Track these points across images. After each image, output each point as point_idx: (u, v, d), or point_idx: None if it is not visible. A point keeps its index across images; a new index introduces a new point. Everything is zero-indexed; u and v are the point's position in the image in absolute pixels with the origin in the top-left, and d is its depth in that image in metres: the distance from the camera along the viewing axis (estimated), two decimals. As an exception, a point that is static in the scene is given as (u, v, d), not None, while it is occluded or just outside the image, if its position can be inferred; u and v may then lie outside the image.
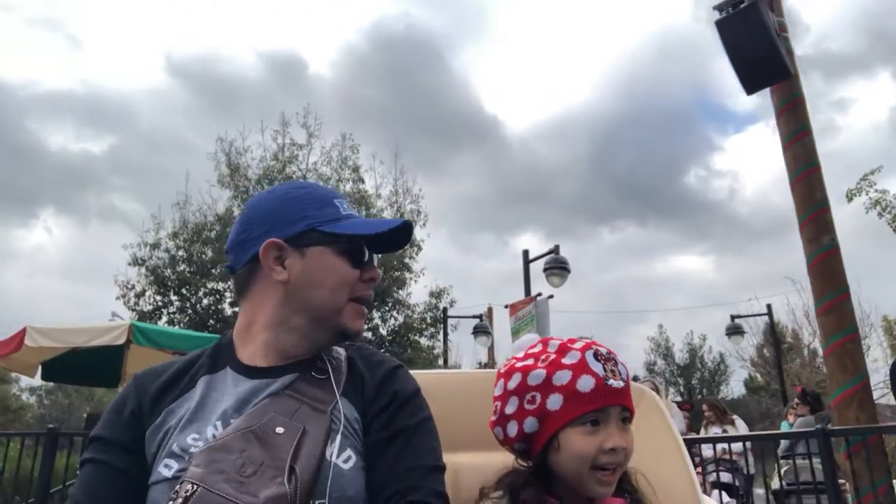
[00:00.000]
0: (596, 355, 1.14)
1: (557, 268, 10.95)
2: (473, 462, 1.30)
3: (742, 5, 6.13)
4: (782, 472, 5.65)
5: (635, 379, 1.45)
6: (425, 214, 17.40)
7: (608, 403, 1.10)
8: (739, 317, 16.93)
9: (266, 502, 0.92)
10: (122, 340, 7.53)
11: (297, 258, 1.15)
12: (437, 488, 1.05)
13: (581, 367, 1.12)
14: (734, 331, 16.35)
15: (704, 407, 7.31)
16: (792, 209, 6.19)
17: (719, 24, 6.17)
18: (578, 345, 1.17)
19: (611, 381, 1.11)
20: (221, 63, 40.60)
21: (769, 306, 17.07)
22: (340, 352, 1.21)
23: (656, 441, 1.46)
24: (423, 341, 16.34)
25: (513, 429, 1.16)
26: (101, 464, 1.08)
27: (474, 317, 16.39)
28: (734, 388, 31.66)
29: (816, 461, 5.20)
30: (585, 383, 1.10)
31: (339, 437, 1.05)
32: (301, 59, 46.94)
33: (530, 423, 1.13)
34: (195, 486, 0.94)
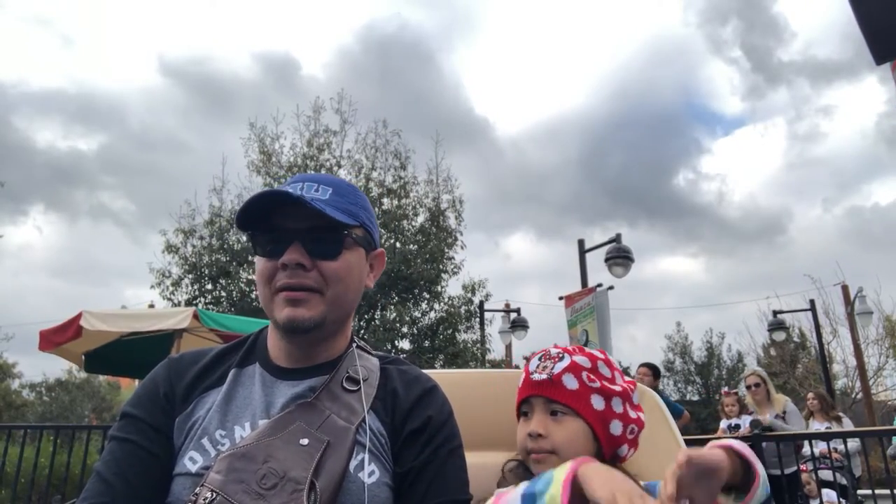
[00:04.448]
0: (542, 356, 1.30)
1: (621, 257, 10.53)
2: (481, 462, 1.33)
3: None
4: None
5: (626, 372, 1.51)
6: (460, 201, 16.90)
7: (530, 394, 1.25)
8: (781, 312, 16.50)
9: None
10: (186, 324, 7.11)
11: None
12: None
13: (525, 367, 1.31)
14: (777, 326, 15.92)
15: (810, 395, 6.84)
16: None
17: (847, -12, 5.78)
18: (543, 350, 1.32)
19: (534, 375, 1.26)
20: (214, 63, 40.65)
21: (812, 302, 16.70)
22: (374, 363, 1.21)
23: (657, 441, 1.50)
24: (458, 336, 15.88)
25: None
26: (130, 443, 1.07)
27: (509, 310, 16.03)
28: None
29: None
30: (521, 379, 1.30)
31: (365, 452, 1.05)
32: (294, 60, 46.20)
33: None
34: (214, 495, 0.94)
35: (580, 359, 1.26)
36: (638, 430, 1.27)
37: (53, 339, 7.25)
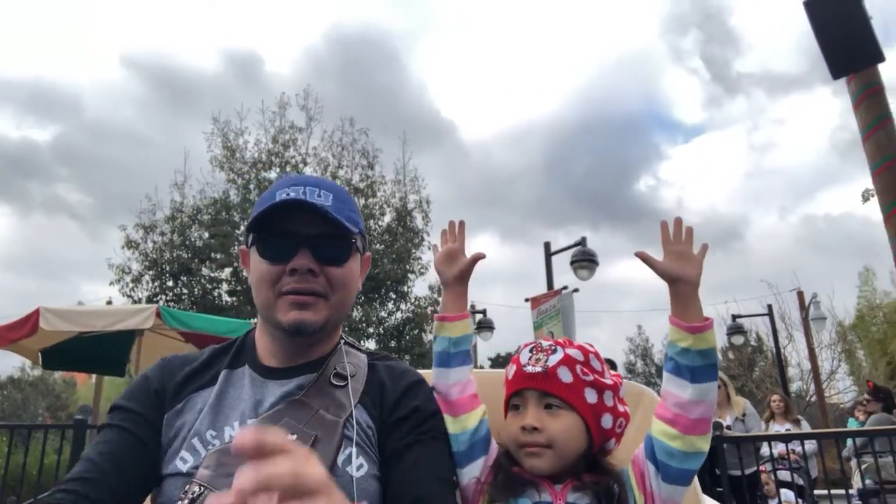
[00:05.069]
0: (532, 348, 1.29)
1: (586, 260, 10.66)
2: None
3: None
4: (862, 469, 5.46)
5: (611, 363, 1.54)
6: (427, 202, 16.91)
7: (523, 386, 1.24)
8: (740, 316, 16.91)
9: None
10: (149, 324, 6.96)
11: (249, 260, 1.19)
12: None
13: (515, 359, 1.30)
14: (735, 330, 16.29)
15: (776, 398, 7.00)
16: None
17: (808, 5, 5.97)
18: (533, 342, 1.32)
19: (527, 367, 1.25)
20: (177, 57, 39.93)
21: (770, 307, 17.15)
22: (362, 359, 1.23)
23: None
24: (425, 336, 15.87)
25: None
26: (122, 429, 1.09)
27: (475, 311, 16.10)
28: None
29: (888, 460, 5.04)
30: (510, 371, 1.29)
31: (352, 446, 1.06)
32: (258, 57, 45.98)
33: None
34: (202, 488, 0.96)
35: (573, 352, 1.26)
36: (625, 423, 1.28)
37: (8, 336, 7.00)
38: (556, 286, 11.33)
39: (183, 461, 1.04)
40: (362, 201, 16.24)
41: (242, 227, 14.06)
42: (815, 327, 16.46)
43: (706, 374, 1.14)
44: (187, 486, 0.97)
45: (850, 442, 6.23)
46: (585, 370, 1.25)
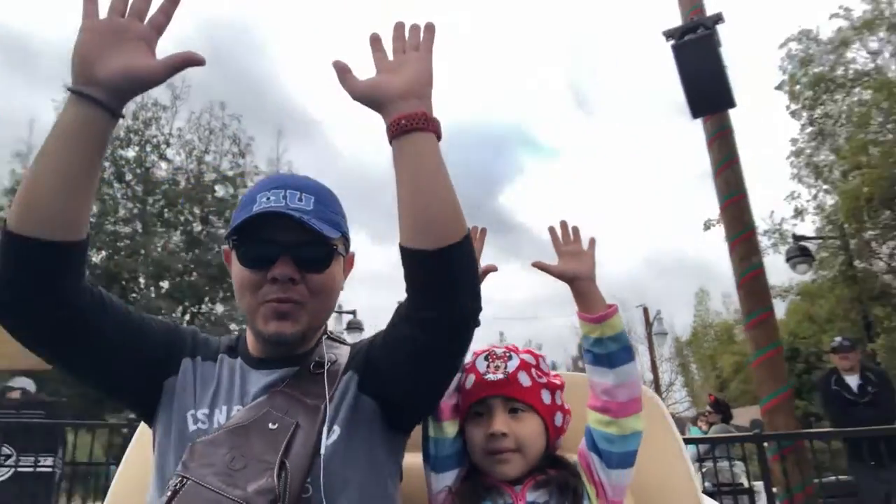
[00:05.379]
0: (487, 356, 1.30)
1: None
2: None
3: (698, 33, 6.54)
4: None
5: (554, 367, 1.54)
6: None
7: (488, 394, 1.25)
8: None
9: (253, 494, 0.94)
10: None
11: (231, 264, 1.19)
12: None
13: (470, 368, 1.30)
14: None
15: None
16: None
17: (676, 49, 6.51)
18: (484, 350, 1.33)
19: (488, 376, 1.26)
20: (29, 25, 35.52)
21: (645, 309, 18.37)
22: (345, 350, 1.25)
23: (656, 441, 1.49)
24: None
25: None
26: (148, 319, 1.17)
27: (342, 311, 15.91)
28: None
29: (725, 465, 5.66)
30: (469, 381, 1.28)
31: (333, 427, 1.09)
32: None
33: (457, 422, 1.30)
34: (184, 480, 0.97)
35: (526, 357, 1.30)
36: (570, 420, 1.32)
37: None
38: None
39: (195, 419, 1.12)
40: (231, 190, 15.51)
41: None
42: (657, 342, 17.93)
43: (622, 356, 1.21)
44: (170, 481, 1.00)
45: (692, 448, 6.86)
46: (539, 373, 1.29)
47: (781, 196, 15.70)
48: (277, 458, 0.99)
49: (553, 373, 1.36)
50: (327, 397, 1.10)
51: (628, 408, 1.20)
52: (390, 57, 1.09)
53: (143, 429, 1.50)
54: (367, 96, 1.06)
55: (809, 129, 15.40)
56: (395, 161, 1.03)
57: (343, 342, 1.30)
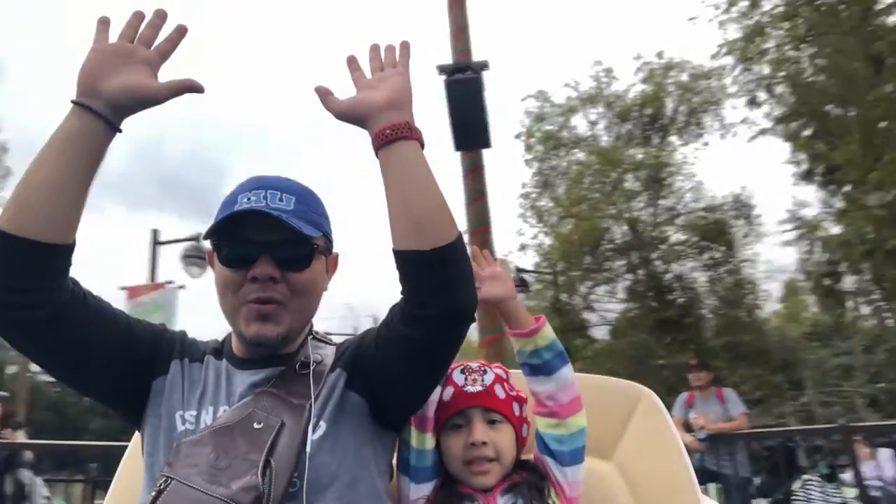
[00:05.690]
0: (464, 370, 1.36)
1: (200, 257, 10.25)
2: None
3: (466, 74, 7.18)
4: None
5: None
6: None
7: (469, 405, 1.30)
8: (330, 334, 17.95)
9: (238, 492, 0.96)
10: None
11: (214, 265, 1.19)
12: None
13: (448, 381, 1.34)
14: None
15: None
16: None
17: (447, 84, 7.06)
18: (459, 364, 1.37)
19: (468, 388, 1.32)
20: None
21: (356, 329, 18.85)
22: (330, 350, 1.26)
23: (656, 441, 1.50)
24: None
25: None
26: (134, 322, 1.18)
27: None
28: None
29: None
30: (447, 393, 1.32)
31: (323, 420, 1.11)
32: None
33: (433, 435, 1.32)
34: (169, 479, 0.99)
35: (499, 371, 1.36)
36: (531, 431, 1.36)
37: None
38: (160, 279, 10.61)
39: (182, 421, 1.12)
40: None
41: None
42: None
43: (558, 362, 1.28)
44: (157, 481, 1.00)
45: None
46: (510, 387, 1.35)
47: (512, 231, 17.77)
48: (262, 457, 1.00)
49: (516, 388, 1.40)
50: (312, 396, 1.11)
51: (573, 406, 1.28)
52: (368, 76, 1.14)
53: (138, 437, 1.44)
54: (350, 113, 1.10)
55: (537, 178, 17.69)
56: (383, 170, 1.06)
57: (329, 342, 1.29)
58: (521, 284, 13.67)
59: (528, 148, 17.72)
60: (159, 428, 1.12)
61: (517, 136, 17.80)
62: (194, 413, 1.12)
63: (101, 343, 1.08)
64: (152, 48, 1.05)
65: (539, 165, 17.65)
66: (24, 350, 1.05)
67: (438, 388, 1.28)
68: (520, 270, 14.60)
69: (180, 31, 1.08)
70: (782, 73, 10.98)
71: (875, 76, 8.97)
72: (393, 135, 1.05)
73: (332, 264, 1.27)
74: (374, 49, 1.16)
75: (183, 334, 1.27)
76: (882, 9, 8.89)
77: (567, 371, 1.29)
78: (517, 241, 17.33)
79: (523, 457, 1.35)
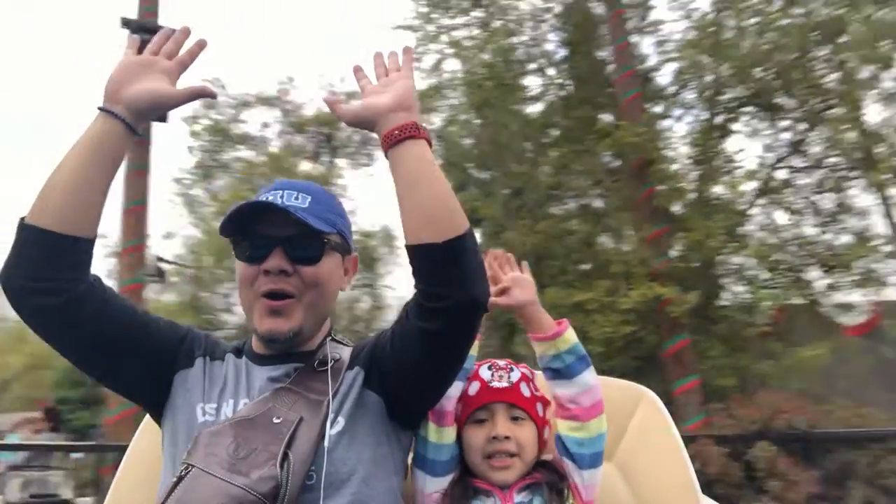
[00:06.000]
0: (490, 367, 1.37)
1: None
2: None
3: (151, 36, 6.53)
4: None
5: None
6: None
7: (493, 399, 1.31)
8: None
9: (256, 481, 0.99)
10: None
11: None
12: None
13: (474, 376, 1.36)
14: None
15: None
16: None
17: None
18: (486, 361, 1.40)
19: (494, 383, 1.33)
20: None
21: None
22: (347, 351, 1.27)
23: (656, 441, 1.49)
24: None
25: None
26: (156, 319, 1.24)
27: None
28: None
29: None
30: (473, 388, 1.34)
31: (341, 415, 1.15)
32: None
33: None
34: (189, 467, 1.04)
35: (525, 370, 1.37)
36: (552, 434, 1.36)
37: None
38: None
39: (203, 413, 1.18)
40: None
41: None
42: None
43: (580, 365, 1.28)
44: (177, 469, 1.05)
45: (10, 456, 6.23)
46: (535, 387, 1.36)
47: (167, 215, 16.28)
48: (281, 449, 1.04)
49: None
50: (330, 392, 1.15)
51: (594, 410, 1.28)
52: (374, 83, 1.20)
53: (145, 424, 1.50)
54: (360, 117, 1.16)
55: (198, 167, 16.61)
56: (393, 169, 1.11)
57: (346, 343, 1.33)
58: (158, 275, 12.70)
59: (195, 134, 16.59)
60: (180, 419, 1.18)
61: (184, 119, 16.53)
62: (214, 405, 1.17)
63: (117, 336, 1.15)
64: (173, 60, 1.16)
65: (203, 156, 16.64)
66: (41, 335, 1.12)
67: (457, 384, 1.29)
68: (160, 260, 13.52)
69: (200, 45, 1.20)
70: (451, 129, 12.48)
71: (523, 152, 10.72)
72: (401, 135, 1.11)
73: (351, 265, 1.31)
74: (378, 57, 1.23)
75: (207, 334, 1.32)
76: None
77: (589, 375, 1.30)
78: (166, 227, 15.97)
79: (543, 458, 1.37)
